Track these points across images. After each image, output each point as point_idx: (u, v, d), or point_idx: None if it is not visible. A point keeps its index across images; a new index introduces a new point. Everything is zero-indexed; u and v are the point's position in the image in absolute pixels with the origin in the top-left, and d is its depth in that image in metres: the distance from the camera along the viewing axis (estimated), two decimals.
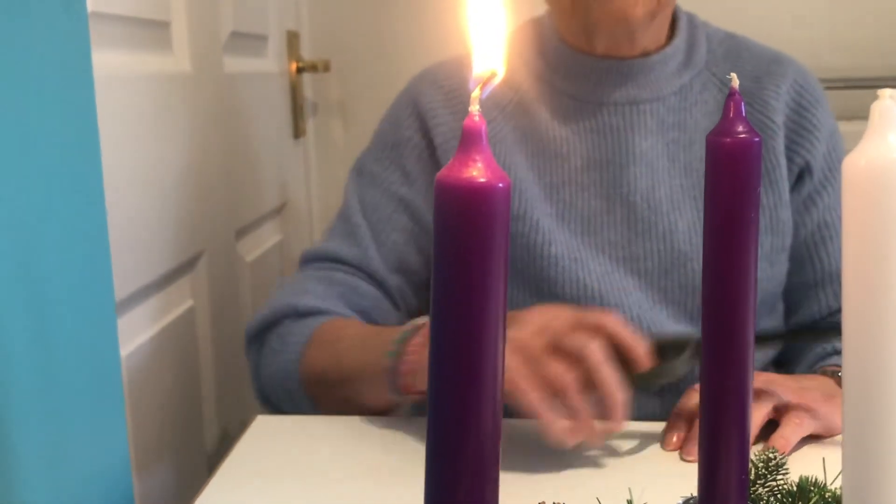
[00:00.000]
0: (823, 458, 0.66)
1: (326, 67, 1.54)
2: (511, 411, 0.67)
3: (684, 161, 0.92)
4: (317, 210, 1.59)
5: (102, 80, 0.67)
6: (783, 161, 0.93)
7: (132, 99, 0.89)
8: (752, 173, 0.45)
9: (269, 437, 0.81)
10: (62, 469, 0.58)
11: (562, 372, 0.68)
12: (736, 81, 0.46)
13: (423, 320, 0.86)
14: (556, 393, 0.68)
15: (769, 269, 0.93)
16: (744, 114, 0.46)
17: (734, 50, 0.97)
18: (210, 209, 1.10)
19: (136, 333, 0.91)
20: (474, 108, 0.32)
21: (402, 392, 0.78)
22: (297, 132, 1.52)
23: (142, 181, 0.91)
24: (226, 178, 1.16)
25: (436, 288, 0.32)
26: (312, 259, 0.96)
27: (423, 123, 0.95)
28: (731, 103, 0.46)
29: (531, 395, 0.68)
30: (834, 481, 0.62)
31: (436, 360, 0.33)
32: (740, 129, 0.45)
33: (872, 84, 1.37)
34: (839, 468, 0.45)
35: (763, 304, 0.94)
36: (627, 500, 0.63)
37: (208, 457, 1.08)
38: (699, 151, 0.92)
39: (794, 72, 0.96)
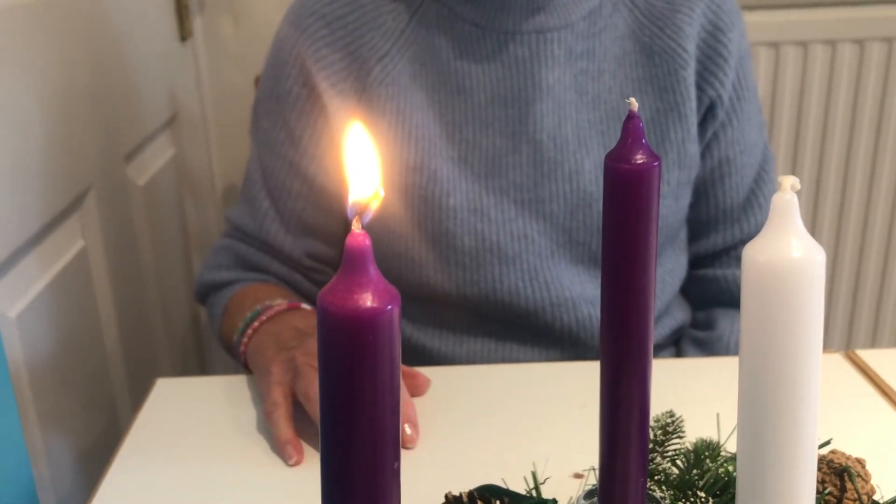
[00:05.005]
0: (718, 414, 0.69)
1: None
2: None
3: (592, 93, 0.89)
4: (211, 116, 1.51)
5: None
6: (693, 93, 0.90)
7: None
8: (652, 200, 0.44)
9: (171, 401, 0.81)
10: None
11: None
12: (635, 105, 0.44)
13: (275, 301, 0.86)
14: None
15: (674, 205, 0.92)
16: (643, 140, 0.44)
17: None
18: (92, 139, 1.03)
19: (24, 290, 0.87)
20: (356, 226, 0.30)
21: (246, 368, 0.84)
22: (184, 33, 1.42)
23: (5, 128, 0.84)
24: (107, 100, 1.08)
25: (324, 418, 0.31)
26: (228, 223, 0.99)
27: (304, 69, 0.90)
28: (630, 126, 0.44)
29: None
30: (727, 439, 0.65)
31: (328, 486, 0.32)
32: (639, 155, 0.44)
33: None
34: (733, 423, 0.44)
35: (667, 237, 0.94)
36: (532, 472, 0.65)
37: (120, 416, 1.06)
38: (608, 81, 0.89)
39: None
